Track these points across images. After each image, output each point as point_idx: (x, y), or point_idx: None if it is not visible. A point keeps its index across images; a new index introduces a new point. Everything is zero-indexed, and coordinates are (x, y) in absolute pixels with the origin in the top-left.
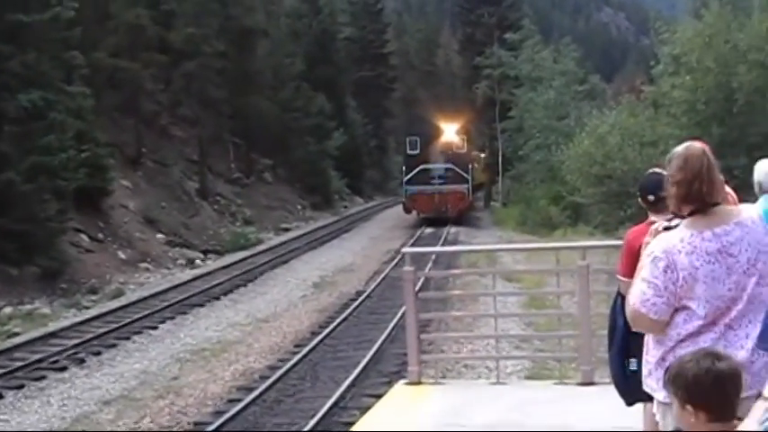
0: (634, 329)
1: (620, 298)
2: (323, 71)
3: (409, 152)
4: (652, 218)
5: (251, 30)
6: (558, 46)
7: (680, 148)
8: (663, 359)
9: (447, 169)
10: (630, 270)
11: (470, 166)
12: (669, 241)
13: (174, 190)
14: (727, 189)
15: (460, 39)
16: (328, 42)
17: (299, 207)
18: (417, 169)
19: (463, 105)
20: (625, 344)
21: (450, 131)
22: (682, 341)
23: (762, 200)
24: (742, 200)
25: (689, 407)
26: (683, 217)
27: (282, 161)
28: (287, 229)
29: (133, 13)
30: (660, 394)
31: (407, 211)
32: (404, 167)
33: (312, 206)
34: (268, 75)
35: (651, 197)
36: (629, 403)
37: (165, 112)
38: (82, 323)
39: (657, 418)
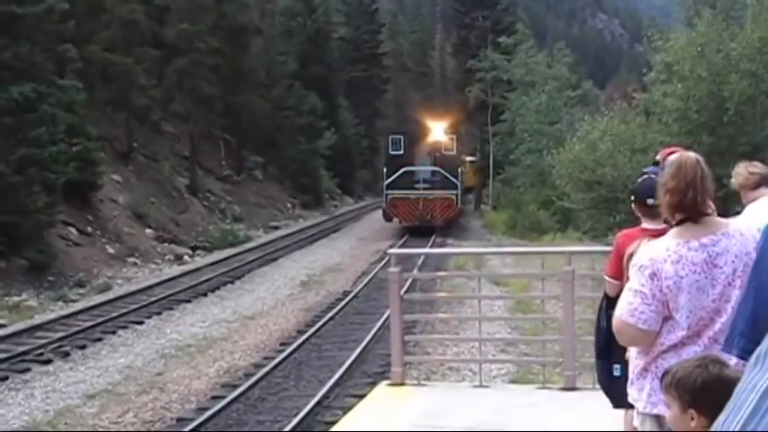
0: (621, 343)
1: (606, 299)
2: (316, 70)
3: (392, 152)
4: (645, 224)
5: (245, 27)
6: (551, 51)
7: (673, 157)
8: (645, 369)
9: (434, 172)
10: (616, 271)
11: (460, 170)
12: (655, 250)
13: (164, 185)
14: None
15: (454, 41)
16: (322, 42)
17: (289, 205)
18: (400, 172)
19: (455, 108)
20: (607, 346)
21: (438, 131)
22: (664, 352)
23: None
24: (728, 213)
25: (692, 411)
26: (672, 226)
27: (273, 159)
28: (276, 228)
29: (127, 7)
30: (640, 404)
31: (388, 218)
32: (385, 169)
33: (302, 205)
34: (261, 73)
35: (651, 200)
36: (616, 405)
37: (157, 108)
38: (68, 316)
39: (636, 423)
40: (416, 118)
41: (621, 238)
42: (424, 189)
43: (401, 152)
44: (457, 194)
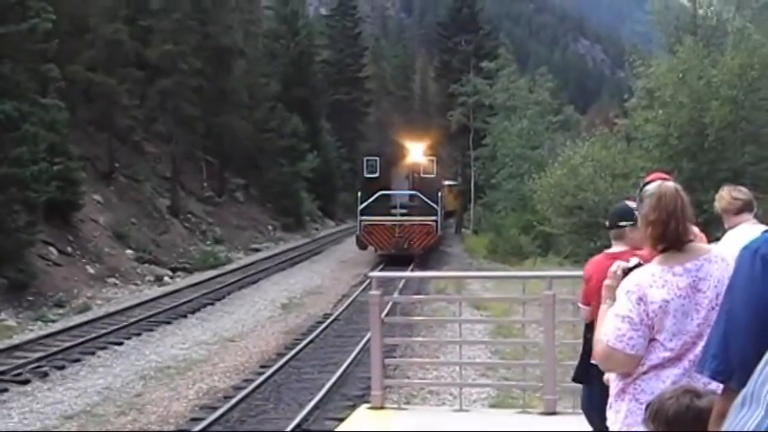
0: (605, 369)
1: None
2: (298, 93)
3: (367, 175)
4: (614, 248)
5: (228, 49)
6: (533, 76)
7: (652, 188)
8: (623, 391)
9: (412, 197)
10: (586, 298)
11: (440, 194)
12: (641, 276)
13: (145, 206)
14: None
15: (437, 65)
16: (305, 64)
17: (270, 228)
18: (375, 196)
19: (437, 132)
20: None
21: (416, 152)
22: (644, 373)
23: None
24: (710, 237)
25: None
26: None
27: (255, 181)
28: (257, 250)
29: (111, 27)
30: (617, 426)
31: (362, 246)
32: (360, 193)
33: (283, 227)
34: (243, 94)
35: (623, 223)
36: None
37: (140, 128)
38: (47, 336)
39: None
40: (394, 139)
41: (589, 266)
42: (401, 215)
43: (377, 175)
44: (436, 221)
